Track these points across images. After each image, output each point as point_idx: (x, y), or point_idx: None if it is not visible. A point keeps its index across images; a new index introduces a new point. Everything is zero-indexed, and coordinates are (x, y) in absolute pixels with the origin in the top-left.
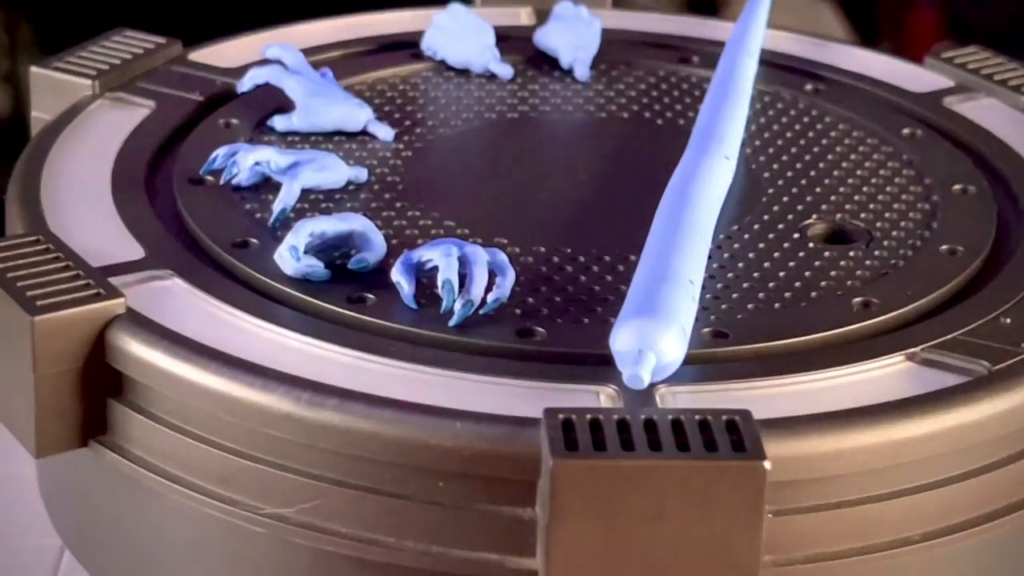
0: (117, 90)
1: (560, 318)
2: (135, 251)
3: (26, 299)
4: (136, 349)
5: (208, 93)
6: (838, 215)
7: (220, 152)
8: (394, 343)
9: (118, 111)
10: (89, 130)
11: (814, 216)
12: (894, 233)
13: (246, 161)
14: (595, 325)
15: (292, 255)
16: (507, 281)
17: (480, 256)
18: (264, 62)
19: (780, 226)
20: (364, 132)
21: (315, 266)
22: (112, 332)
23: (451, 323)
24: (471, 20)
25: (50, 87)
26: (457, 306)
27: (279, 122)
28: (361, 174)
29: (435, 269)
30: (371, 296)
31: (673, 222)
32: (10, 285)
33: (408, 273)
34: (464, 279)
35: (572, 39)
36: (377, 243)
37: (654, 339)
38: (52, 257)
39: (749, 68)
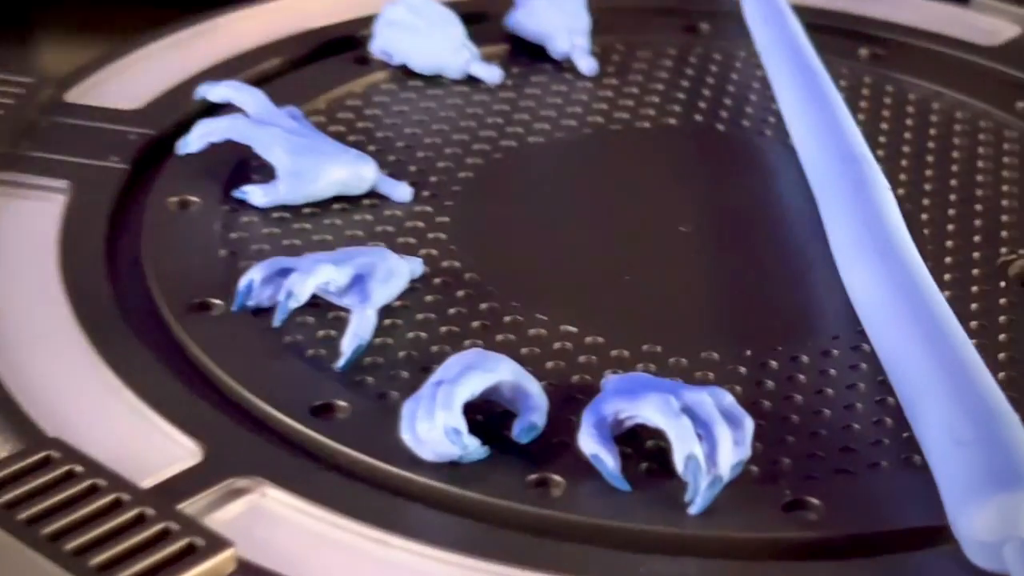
0: (5, 169)
1: (815, 474)
2: (183, 448)
3: None
4: None
5: (128, 155)
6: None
7: (253, 277)
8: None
9: (22, 203)
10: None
11: (1004, 249)
12: None
13: (304, 289)
14: (869, 481)
15: (454, 441)
16: (747, 434)
17: (710, 408)
18: (206, 104)
19: (975, 271)
20: (371, 193)
21: (472, 445)
22: None
23: (693, 510)
24: (434, 11)
25: None
26: (703, 486)
27: (258, 195)
28: (416, 267)
29: (640, 427)
30: (556, 477)
31: (921, 314)
32: (62, 557)
33: (606, 440)
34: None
35: (562, 20)
36: (535, 394)
37: None
38: (87, 487)
39: (806, 42)
